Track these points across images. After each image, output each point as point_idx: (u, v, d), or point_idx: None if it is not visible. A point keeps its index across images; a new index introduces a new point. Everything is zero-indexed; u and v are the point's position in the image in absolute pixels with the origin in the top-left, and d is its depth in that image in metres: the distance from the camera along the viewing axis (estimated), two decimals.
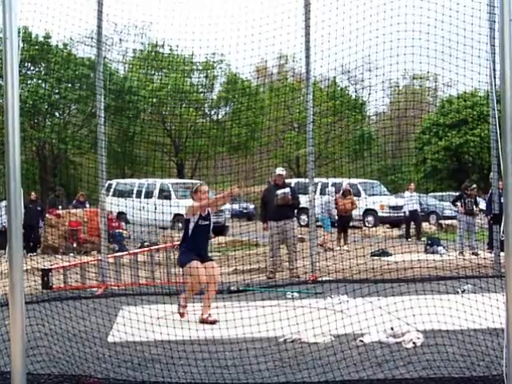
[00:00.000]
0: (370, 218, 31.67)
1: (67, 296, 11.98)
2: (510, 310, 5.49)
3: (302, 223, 28.10)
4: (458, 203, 20.28)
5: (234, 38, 12.42)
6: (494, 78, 10.18)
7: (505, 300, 5.53)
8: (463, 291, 11.45)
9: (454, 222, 23.69)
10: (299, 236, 18.83)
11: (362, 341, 8.30)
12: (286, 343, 8.41)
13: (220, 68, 41.27)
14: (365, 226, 30.43)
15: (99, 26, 13.37)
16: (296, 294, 12.27)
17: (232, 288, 12.90)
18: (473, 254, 18.26)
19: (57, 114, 45.87)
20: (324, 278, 13.66)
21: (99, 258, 14.52)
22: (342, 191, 23.80)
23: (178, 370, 7.16)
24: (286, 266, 15.49)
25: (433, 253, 19.17)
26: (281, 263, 15.74)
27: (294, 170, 47.39)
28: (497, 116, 6.20)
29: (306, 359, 7.56)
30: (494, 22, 10.99)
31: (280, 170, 15.79)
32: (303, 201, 16.71)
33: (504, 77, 5.51)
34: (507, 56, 5.47)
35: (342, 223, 23.41)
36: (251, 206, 36.74)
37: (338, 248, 20.80)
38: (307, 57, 13.90)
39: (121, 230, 23.08)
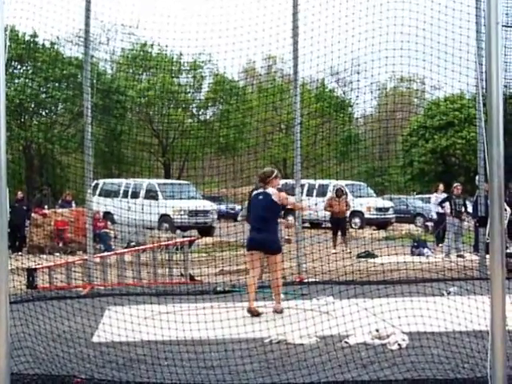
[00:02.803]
0: (357, 220, 31.68)
1: (52, 296, 11.92)
2: (494, 313, 5.50)
3: None
4: (446, 204, 20.07)
5: (222, 38, 12.44)
6: (481, 80, 10.21)
7: (490, 302, 5.54)
8: (449, 293, 11.46)
9: None
10: (286, 237, 18.78)
11: (347, 342, 8.30)
12: (272, 344, 8.40)
13: (208, 68, 41.17)
14: (351, 227, 30.35)
15: (87, 25, 13.33)
16: (282, 296, 12.24)
17: (218, 289, 12.90)
18: (458, 256, 18.30)
19: (44, 113, 45.68)
20: (310, 280, 13.66)
21: (85, 257, 14.49)
22: (335, 192, 23.16)
23: (164, 370, 7.14)
24: None
25: (419, 255, 19.18)
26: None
27: (281, 171, 47.40)
28: (483, 119, 6.22)
29: (291, 360, 7.55)
30: (482, 25, 11.03)
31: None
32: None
33: (490, 80, 5.52)
34: (494, 59, 5.48)
35: (336, 225, 22.53)
36: (238, 207, 36.68)
37: (334, 251, 19.86)
38: (295, 58, 13.91)
39: (107, 230, 23.02)
